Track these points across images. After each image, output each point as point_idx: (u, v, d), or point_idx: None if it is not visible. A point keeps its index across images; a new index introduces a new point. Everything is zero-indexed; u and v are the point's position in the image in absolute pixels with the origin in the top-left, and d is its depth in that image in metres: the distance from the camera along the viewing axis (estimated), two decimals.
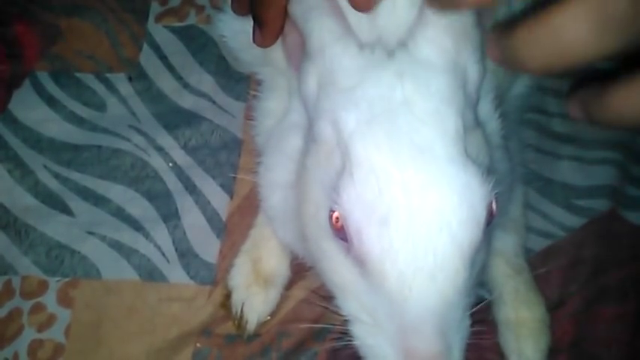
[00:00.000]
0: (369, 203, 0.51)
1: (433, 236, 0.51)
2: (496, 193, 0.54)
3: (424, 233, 0.51)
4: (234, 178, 0.94)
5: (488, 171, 0.56)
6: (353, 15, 0.61)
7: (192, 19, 1.08)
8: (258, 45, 0.69)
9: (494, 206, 0.54)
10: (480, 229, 0.52)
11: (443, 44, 0.57)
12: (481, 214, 0.52)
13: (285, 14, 0.65)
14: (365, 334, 0.56)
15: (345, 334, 0.58)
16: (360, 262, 0.53)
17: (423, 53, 0.57)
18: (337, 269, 0.57)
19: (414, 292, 0.51)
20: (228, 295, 0.84)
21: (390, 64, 0.57)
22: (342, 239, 0.54)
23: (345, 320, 0.58)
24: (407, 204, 0.51)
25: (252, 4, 0.68)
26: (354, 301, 0.56)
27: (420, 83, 0.55)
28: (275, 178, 0.70)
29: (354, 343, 0.57)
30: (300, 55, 0.63)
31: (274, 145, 0.71)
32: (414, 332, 0.51)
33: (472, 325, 0.56)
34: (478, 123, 0.60)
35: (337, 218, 0.54)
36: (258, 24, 0.68)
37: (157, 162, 0.95)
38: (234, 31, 0.84)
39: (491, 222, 0.54)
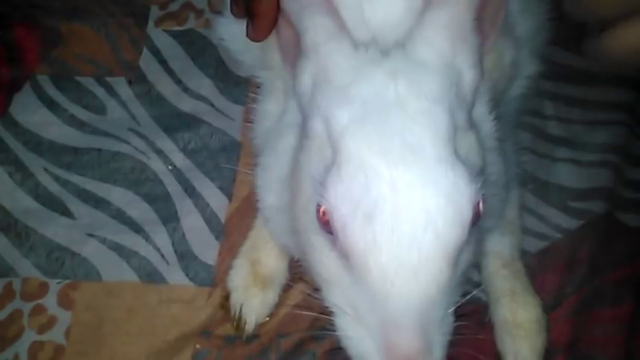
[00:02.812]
0: (356, 199, 0.52)
1: (418, 234, 0.51)
2: (483, 194, 0.55)
3: (409, 231, 0.51)
4: (233, 180, 0.94)
5: (479, 172, 0.57)
6: (348, 14, 0.62)
7: (191, 23, 1.09)
8: (251, 39, 0.70)
9: (480, 207, 0.55)
10: (465, 230, 0.53)
11: (439, 46, 0.58)
12: (467, 215, 0.53)
13: (277, 7, 0.66)
14: (347, 327, 0.57)
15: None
16: (344, 255, 0.54)
17: (419, 54, 0.58)
18: (323, 261, 0.58)
19: (395, 288, 0.52)
20: (227, 297, 0.84)
21: (384, 63, 0.58)
22: (328, 232, 0.55)
23: (330, 311, 0.59)
24: (393, 201, 0.52)
25: None
26: (339, 294, 0.57)
27: (413, 83, 0.56)
28: (271, 177, 0.71)
29: (336, 334, 0.58)
30: (295, 53, 0.64)
31: (271, 146, 0.71)
32: (394, 327, 0.52)
33: (456, 323, 0.57)
34: (472, 125, 0.61)
35: (324, 212, 0.55)
36: (251, 17, 0.69)
37: (156, 165, 0.96)
38: (233, 34, 0.85)
39: (477, 222, 0.55)
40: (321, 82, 0.59)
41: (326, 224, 0.55)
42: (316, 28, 0.60)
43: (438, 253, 0.52)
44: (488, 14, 0.63)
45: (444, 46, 0.58)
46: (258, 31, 0.69)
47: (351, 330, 0.56)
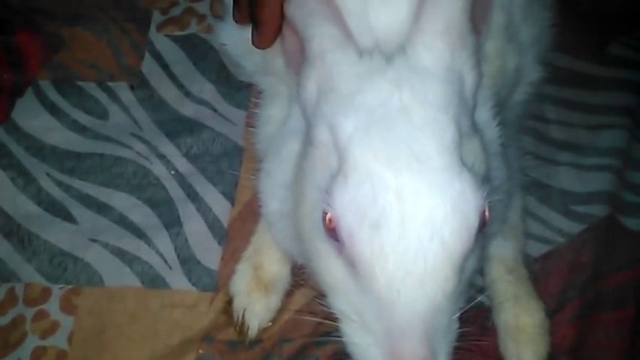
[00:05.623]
0: (362, 207, 0.52)
1: (424, 243, 0.52)
2: (490, 202, 0.55)
3: (415, 239, 0.52)
4: (236, 185, 0.94)
5: (484, 179, 0.57)
6: (353, 20, 0.62)
7: (193, 28, 1.09)
8: (256, 46, 0.70)
9: (487, 214, 0.55)
10: (471, 238, 0.53)
11: (439, 50, 0.58)
12: (473, 223, 0.53)
13: (281, 15, 0.66)
14: (353, 333, 0.57)
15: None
16: (350, 263, 0.54)
17: (421, 60, 0.58)
18: (329, 268, 0.58)
19: (402, 296, 0.52)
20: (229, 302, 0.84)
21: (389, 72, 0.58)
22: (334, 240, 0.55)
23: (336, 318, 0.59)
24: (400, 210, 0.52)
25: (249, 5, 0.69)
26: (344, 300, 0.57)
27: (417, 91, 0.56)
28: (275, 183, 0.71)
29: (342, 339, 0.58)
30: (299, 60, 0.64)
31: (274, 151, 0.72)
32: (400, 335, 0.52)
33: (461, 329, 0.57)
34: (476, 130, 0.61)
35: (330, 220, 0.55)
36: (255, 25, 0.69)
37: (159, 170, 0.96)
38: (236, 39, 0.85)
39: (484, 229, 0.55)
40: (326, 90, 0.59)
41: (332, 231, 0.55)
42: (322, 36, 0.60)
43: (444, 261, 0.52)
44: (478, 9, 0.63)
45: (444, 51, 0.58)
46: (262, 39, 0.69)
47: (357, 336, 0.56)
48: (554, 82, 0.94)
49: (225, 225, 0.92)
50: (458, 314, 0.56)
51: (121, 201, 0.94)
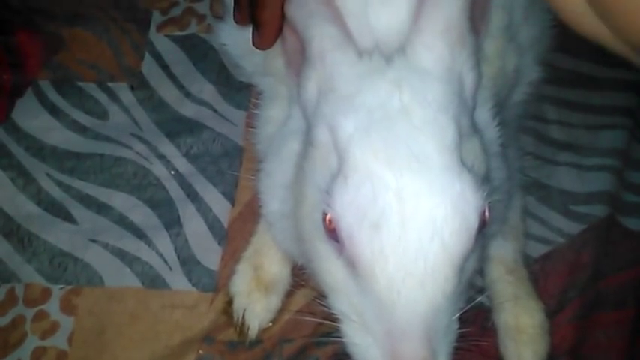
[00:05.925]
0: (362, 208, 0.52)
1: (424, 244, 0.52)
2: (490, 202, 0.55)
3: (415, 240, 0.52)
4: (236, 185, 0.94)
5: (484, 180, 0.57)
6: (353, 21, 0.62)
7: (193, 28, 1.09)
8: (257, 47, 0.70)
9: (486, 214, 0.55)
10: (471, 238, 0.53)
11: (439, 50, 0.58)
12: (473, 224, 0.53)
13: (281, 16, 0.66)
14: (354, 333, 0.57)
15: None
16: (351, 263, 0.54)
17: (421, 60, 0.58)
18: (329, 269, 0.58)
19: (402, 297, 0.52)
20: (229, 302, 0.84)
21: (388, 72, 0.58)
22: (334, 240, 0.56)
23: (337, 318, 0.59)
24: (400, 210, 0.52)
25: (249, 5, 0.69)
26: (345, 301, 0.57)
27: (417, 91, 0.56)
28: (275, 183, 0.71)
29: (342, 340, 0.58)
30: (300, 60, 0.64)
31: (274, 151, 0.72)
32: (401, 336, 0.52)
33: (461, 329, 0.57)
34: (475, 130, 0.61)
35: (330, 220, 0.55)
36: (255, 25, 0.69)
37: (159, 170, 0.96)
38: (235, 39, 0.85)
39: (483, 230, 0.55)
40: (326, 91, 0.59)
41: (332, 232, 0.55)
42: (322, 37, 0.60)
43: (444, 262, 0.52)
44: (477, 9, 0.63)
45: (443, 51, 0.58)
46: (263, 40, 0.69)
47: (357, 337, 0.56)
48: (555, 83, 0.94)
49: (226, 225, 0.92)
50: (458, 315, 0.56)
51: (121, 201, 0.94)
